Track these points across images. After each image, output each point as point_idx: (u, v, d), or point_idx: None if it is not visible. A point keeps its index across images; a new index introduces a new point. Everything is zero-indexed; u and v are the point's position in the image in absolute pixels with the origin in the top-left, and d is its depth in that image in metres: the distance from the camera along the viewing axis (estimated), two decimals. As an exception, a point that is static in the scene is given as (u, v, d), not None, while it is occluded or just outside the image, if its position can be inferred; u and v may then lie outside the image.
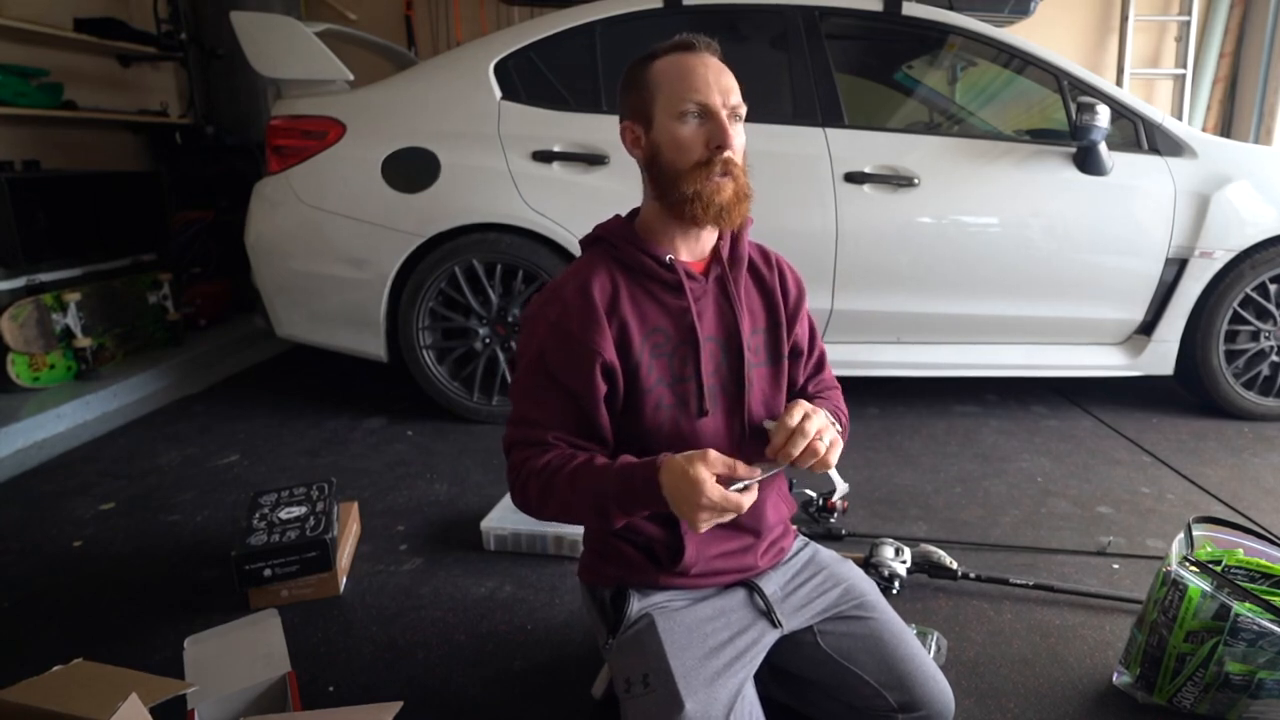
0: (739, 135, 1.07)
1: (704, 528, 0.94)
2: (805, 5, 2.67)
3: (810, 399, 1.19)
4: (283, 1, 4.37)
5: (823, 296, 2.65)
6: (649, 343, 1.09)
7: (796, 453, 0.97)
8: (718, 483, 0.93)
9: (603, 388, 1.07)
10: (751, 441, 1.15)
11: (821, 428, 0.99)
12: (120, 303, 3.33)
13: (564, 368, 1.06)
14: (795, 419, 0.98)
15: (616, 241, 1.12)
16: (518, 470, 1.07)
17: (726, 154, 1.03)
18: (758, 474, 0.96)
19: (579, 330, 1.06)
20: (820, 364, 1.27)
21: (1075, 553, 1.89)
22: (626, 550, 1.16)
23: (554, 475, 1.02)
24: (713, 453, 0.94)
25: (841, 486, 1.06)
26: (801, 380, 1.24)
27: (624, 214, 1.18)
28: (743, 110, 1.07)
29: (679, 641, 1.07)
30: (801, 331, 1.23)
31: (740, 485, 0.94)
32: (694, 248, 1.13)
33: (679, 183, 1.05)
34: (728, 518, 0.94)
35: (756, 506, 1.16)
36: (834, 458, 1.01)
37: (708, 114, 1.03)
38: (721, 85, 1.04)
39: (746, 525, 1.18)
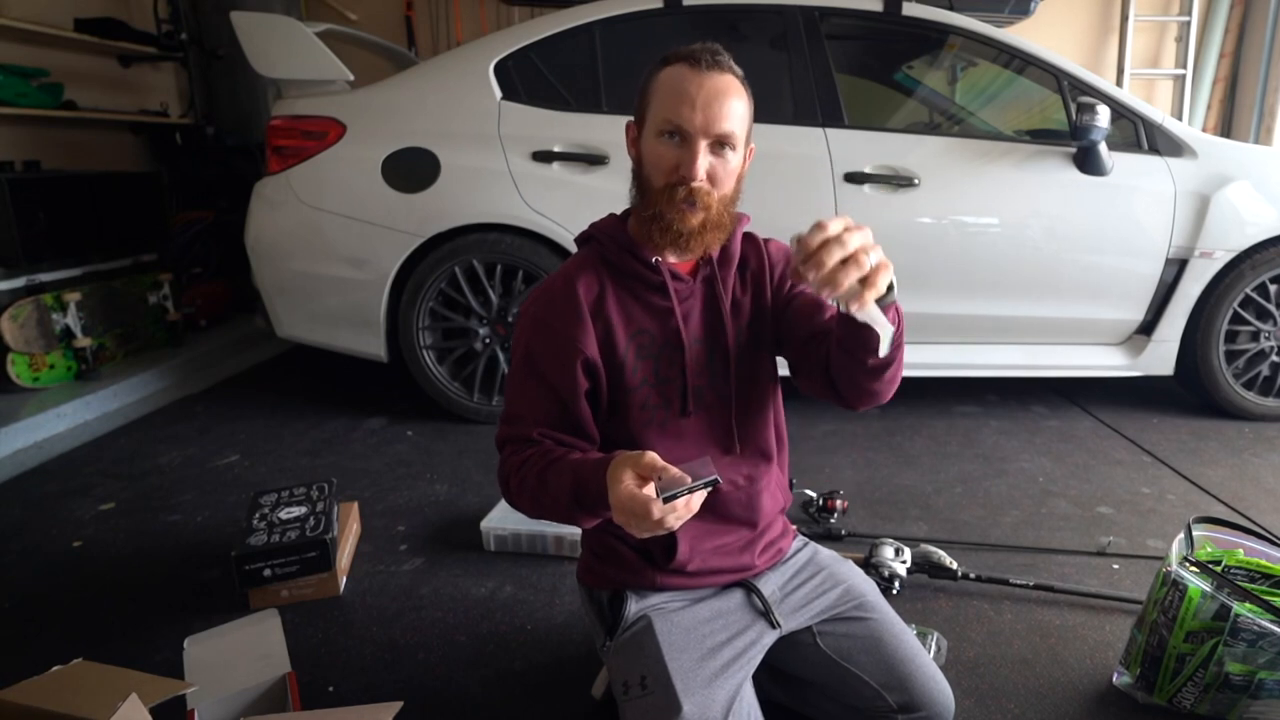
0: (728, 161, 1.02)
1: (635, 531, 0.88)
2: (805, 5, 2.67)
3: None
4: (283, 1, 4.38)
5: (823, 297, 2.65)
6: (634, 343, 1.09)
7: (831, 263, 0.81)
8: (654, 486, 0.87)
9: (584, 383, 1.07)
10: (741, 439, 1.15)
11: (866, 244, 0.83)
12: (120, 303, 3.33)
13: (547, 362, 1.07)
14: (835, 228, 0.82)
15: (605, 242, 1.12)
16: (503, 467, 1.08)
17: (693, 184, 1.00)
18: (687, 480, 0.85)
19: (561, 325, 1.06)
20: None
21: (1075, 553, 1.89)
22: (623, 551, 1.16)
23: (528, 473, 1.03)
24: (649, 455, 0.89)
25: (887, 331, 0.89)
26: (804, 302, 1.14)
27: (619, 212, 1.17)
28: (735, 139, 1.01)
29: (677, 643, 1.07)
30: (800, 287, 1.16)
31: (674, 493, 0.84)
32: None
33: (647, 200, 1.05)
34: (649, 528, 0.86)
35: (750, 499, 1.17)
36: (882, 281, 0.85)
37: (685, 139, 1.01)
38: (710, 112, 0.99)
39: (741, 517, 1.17)
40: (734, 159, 1.04)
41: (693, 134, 1.00)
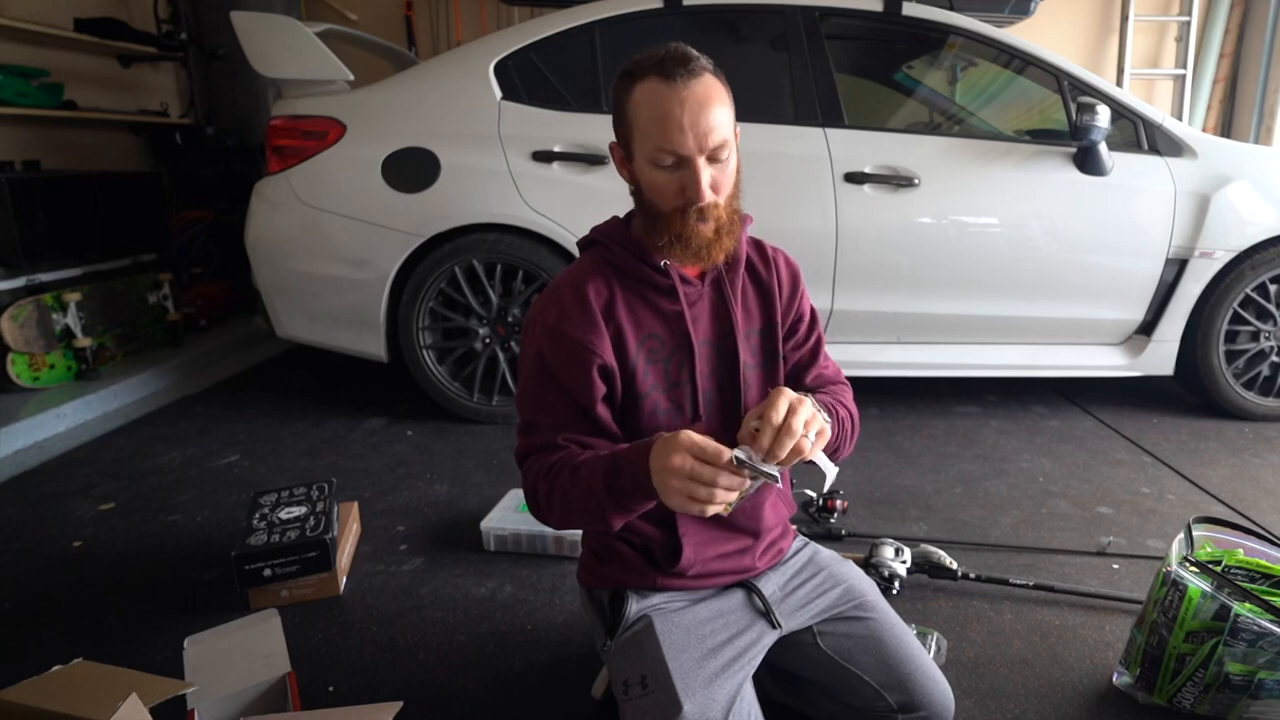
0: (727, 165, 1.02)
1: (679, 503, 0.87)
2: (805, 5, 2.67)
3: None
4: (283, 1, 4.38)
5: (823, 297, 2.65)
6: (644, 348, 1.08)
7: (783, 454, 0.88)
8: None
9: (601, 388, 1.06)
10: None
11: (809, 419, 0.91)
12: (120, 303, 3.33)
13: (563, 369, 1.06)
14: (780, 413, 0.89)
15: (611, 246, 1.11)
16: (529, 477, 1.05)
17: (702, 204, 1.00)
18: (746, 483, 0.88)
19: (576, 331, 1.05)
20: (815, 352, 1.22)
21: (1075, 553, 1.89)
22: (625, 551, 1.16)
23: (558, 475, 1.00)
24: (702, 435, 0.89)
25: (831, 472, 0.98)
26: (791, 362, 1.20)
27: (622, 215, 1.17)
28: (728, 145, 1.00)
29: (677, 643, 1.07)
30: (800, 313, 1.20)
31: (746, 463, 0.87)
32: None
33: (658, 224, 1.04)
34: (700, 505, 0.86)
35: (754, 509, 1.16)
36: (816, 450, 0.94)
37: (681, 162, 1.00)
38: (699, 130, 0.97)
39: (744, 527, 1.17)
40: (731, 161, 1.03)
41: (688, 156, 0.99)
